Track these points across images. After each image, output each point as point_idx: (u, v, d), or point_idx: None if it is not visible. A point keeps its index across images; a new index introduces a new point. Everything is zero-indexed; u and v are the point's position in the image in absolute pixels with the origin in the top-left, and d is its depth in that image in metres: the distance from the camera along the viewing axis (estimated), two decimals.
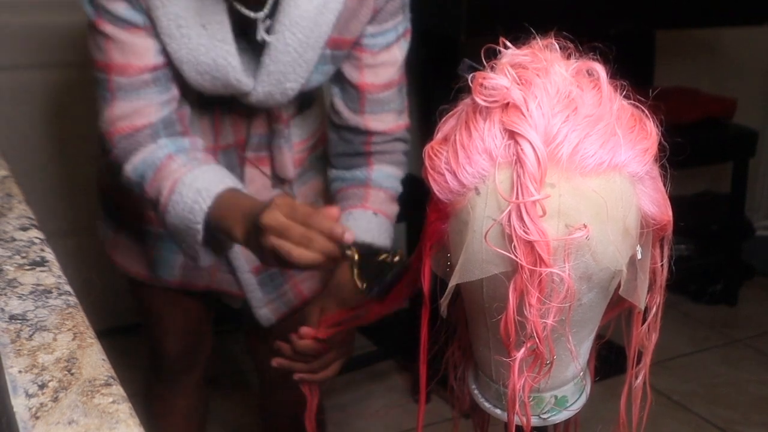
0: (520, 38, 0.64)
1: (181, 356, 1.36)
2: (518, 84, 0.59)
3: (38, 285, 0.64)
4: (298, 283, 1.26)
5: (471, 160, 0.59)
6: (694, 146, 1.96)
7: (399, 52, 1.11)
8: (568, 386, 0.69)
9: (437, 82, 2.11)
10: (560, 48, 0.63)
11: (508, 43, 0.62)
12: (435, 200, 0.64)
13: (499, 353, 0.64)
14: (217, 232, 1.00)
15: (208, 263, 1.06)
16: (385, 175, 1.15)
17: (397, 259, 0.92)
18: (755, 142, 2.57)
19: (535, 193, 0.55)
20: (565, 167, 0.57)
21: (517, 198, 0.56)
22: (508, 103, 0.58)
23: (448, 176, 0.61)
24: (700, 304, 2.70)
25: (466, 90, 0.63)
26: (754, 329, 2.55)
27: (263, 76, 1.04)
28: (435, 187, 0.63)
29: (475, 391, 0.73)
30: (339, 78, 1.12)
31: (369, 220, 1.10)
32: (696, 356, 2.39)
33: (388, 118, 1.13)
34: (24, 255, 0.70)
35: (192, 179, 0.99)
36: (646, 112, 0.62)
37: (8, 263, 0.68)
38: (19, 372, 0.51)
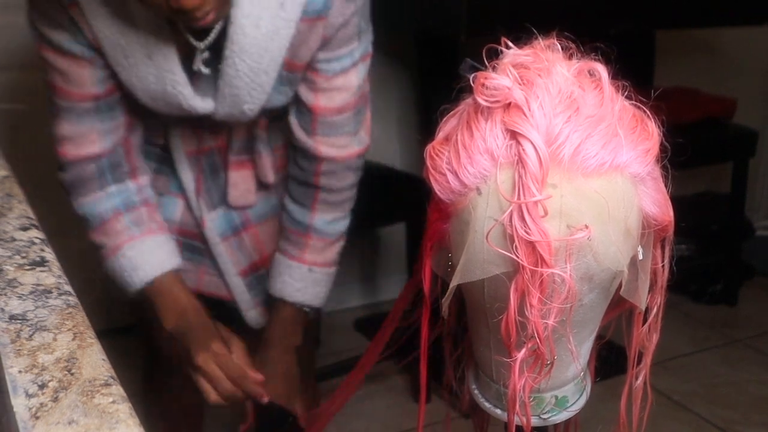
0: (520, 38, 0.64)
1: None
2: (520, 84, 0.59)
3: (38, 285, 0.64)
4: None
5: (472, 160, 0.59)
6: (694, 146, 1.96)
7: (355, 78, 1.10)
8: (569, 386, 0.69)
9: (437, 82, 2.11)
10: (562, 48, 0.63)
11: (510, 43, 0.62)
12: (436, 200, 0.64)
13: (500, 353, 0.64)
14: (147, 305, 1.08)
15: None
16: (327, 222, 1.17)
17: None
18: (755, 142, 2.57)
19: (536, 194, 0.55)
20: (567, 168, 0.57)
21: (518, 198, 0.56)
22: (509, 103, 0.58)
23: (450, 176, 0.61)
24: (700, 304, 2.69)
25: (468, 90, 0.63)
26: (754, 329, 2.55)
27: (220, 98, 1.04)
28: (436, 187, 0.62)
29: (476, 391, 0.73)
30: (295, 99, 1.12)
31: (303, 278, 1.16)
32: (696, 356, 2.39)
33: (340, 142, 1.13)
34: (24, 255, 0.70)
35: (132, 253, 1.07)
36: (648, 112, 0.62)
37: (8, 263, 0.68)
38: (19, 372, 0.51)
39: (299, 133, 1.13)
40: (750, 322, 2.60)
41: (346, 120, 1.12)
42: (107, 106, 1.05)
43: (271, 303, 1.19)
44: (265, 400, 1.09)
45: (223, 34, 1.00)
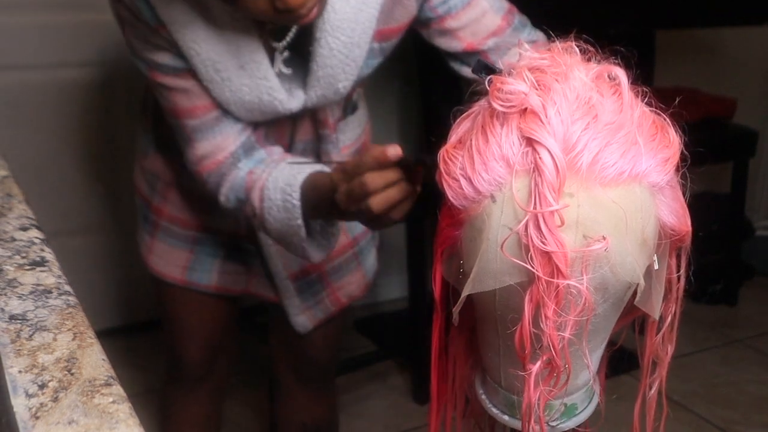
0: None
1: (203, 363, 1.35)
2: (536, 89, 0.57)
3: (38, 285, 0.64)
4: (336, 290, 1.25)
5: (487, 166, 0.58)
6: (694, 146, 1.96)
7: (483, 2, 1.06)
8: (578, 394, 0.68)
9: (437, 82, 2.10)
10: (580, 51, 0.61)
11: (526, 45, 0.61)
12: (448, 205, 0.62)
13: (512, 363, 0.63)
14: (319, 219, 0.98)
15: (320, 259, 1.04)
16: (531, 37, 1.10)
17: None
18: (755, 142, 2.57)
19: (553, 203, 0.54)
20: (585, 177, 0.55)
21: (534, 207, 0.54)
22: (525, 109, 0.57)
23: (464, 182, 0.59)
24: (700, 304, 2.69)
25: (480, 92, 0.61)
26: (754, 329, 2.55)
27: (313, 81, 1.02)
28: (449, 193, 0.61)
29: (482, 396, 0.71)
30: (447, 55, 1.10)
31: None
32: (696, 356, 2.39)
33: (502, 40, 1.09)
34: (24, 255, 0.70)
35: (274, 181, 0.98)
36: (668, 119, 0.60)
37: (8, 263, 0.68)
38: (19, 372, 0.51)
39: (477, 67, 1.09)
40: (750, 322, 2.60)
41: (505, 32, 1.08)
42: None
43: None
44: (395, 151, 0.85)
45: (302, 33, 1.00)
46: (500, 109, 0.58)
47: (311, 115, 1.12)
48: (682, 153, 0.60)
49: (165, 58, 0.99)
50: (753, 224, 2.86)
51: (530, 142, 0.56)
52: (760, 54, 3.00)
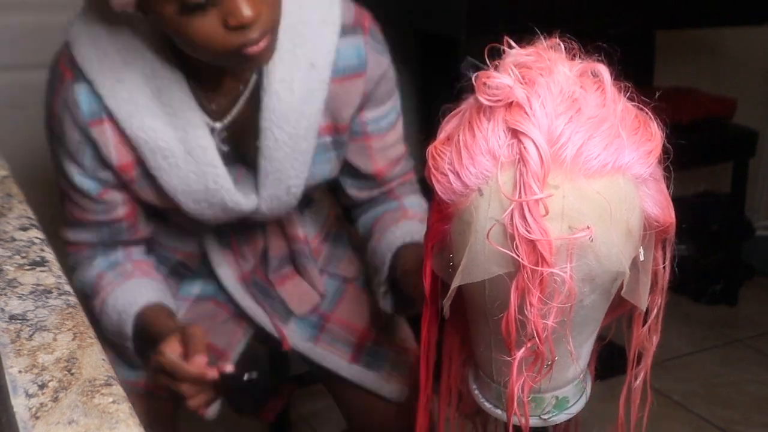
0: (520, 38, 0.64)
1: None
2: (522, 83, 0.58)
3: (38, 285, 0.64)
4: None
5: (474, 160, 0.59)
6: (694, 146, 1.96)
7: (401, 125, 1.11)
8: (569, 387, 0.69)
9: (437, 82, 2.10)
10: (565, 49, 0.62)
11: (512, 43, 0.62)
12: (437, 201, 0.63)
13: (501, 352, 0.64)
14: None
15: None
16: (415, 203, 1.13)
17: (254, 375, 0.93)
18: (755, 142, 2.57)
19: (537, 192, 0.55)
20: (569, 169, 0.56)
21: (519, 197, 0.56)
22: (511, 103, 0.58)
23: (452, 177, 0.61)
24: (700, 304, 2.69)
25: (469, 89, 0.62)
26: (754, 329, 2.55)
27: (263, 179, 1.00)
28: (438, 188, 0.62)
29: (476, 391, 0.73)
30: (348, 170, 1.09)
31: (413, 226, 1.07)
32: (696, 356, 2.39)
33: (400, 170, 1.13)
34: (24, 255, 0.70)
35: (114, 300, 1.03)
36: (650, 113, 0.62)
37: (8, 263, 0.68)
38: (19, 372, 0.51)
39: (362, 193, 1.11)
40: (750, 322, 2.60)
41: (402, 164, 1.13)
42: (111, 230, 1.05)
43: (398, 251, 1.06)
44: (227, 368, 0.92)
45: (243, 117, 0.99)
46: (486, 103, 0.59)
47: (281, 228, 1.12)
48: (664, 146, 0.61)
49: (79, 172, 1.00)
50: (753, 224, 2.86)
51: (515, 133, 0.57)
52: (760, 54, 3.00)
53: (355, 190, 1.12)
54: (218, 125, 0.98)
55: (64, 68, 0.95)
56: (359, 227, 1.16)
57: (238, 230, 1.11)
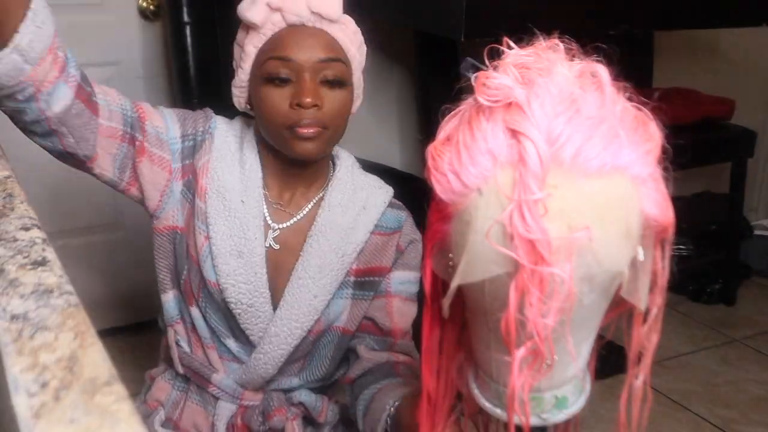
0: (519, 39, 0.64)
1: None
2: (521, 83, 0.59)
3: (40, 285, 0.64)
4: None
5: (474, 160, 0.59)
6: (693, 147, 1.96)
7: (416, 306, 1.18)
8: (569, 386, 0.69)
9: (437, 82, 2.11)
10: (564, 50, 0.63)
11: (512, 44, 0.62)
12: (437, 201, 0.63)
13: (500, 352, 0.64)
14: None
15: None
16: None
17: None
18: (754, 143, 2.57)
19: (537, 192, 0.55)
20: (568, 169, 0.57)
21: (519, 197, 0.56)
22: (510, 103, 0.58)
23: (451, 177, 0.61)
24: (699, 303, 2.70)
25: (468, 90, 0.63)
26: (752, 329, 2.56)
27: (291, 285, 1.10)
28: (437, 188, 0.62)
29: (476, 391, 0.73)
30: (366, 328, 1.16)
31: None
32: (695, 356, 2.40)
33: (407, 347, 1.18)
34: (26, 255, 0.70)
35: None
36: (649, 114, 0.62)
37: (10, 263, 0.68)
38: (21, 371, 0.51)
39: (373, 357, 1.14)
40: (748, 322, 2.61)
41: (409, 339, 1.19)
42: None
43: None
44: None
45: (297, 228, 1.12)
46: (486, 103, 0.59)
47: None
48: (663, 146, 0.61)
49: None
50: (751, 224, 2.87)
51: (515, 134, 0.58)
52: (758, 55, 3.01)
53: (367, 351, 1.15)
54: (276, 225, 1.12)
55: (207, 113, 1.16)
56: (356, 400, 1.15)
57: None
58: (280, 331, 1.11)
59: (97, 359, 0.52)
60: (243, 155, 1.11)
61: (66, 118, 0.95)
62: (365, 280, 1.15)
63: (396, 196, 1.20)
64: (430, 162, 0.63)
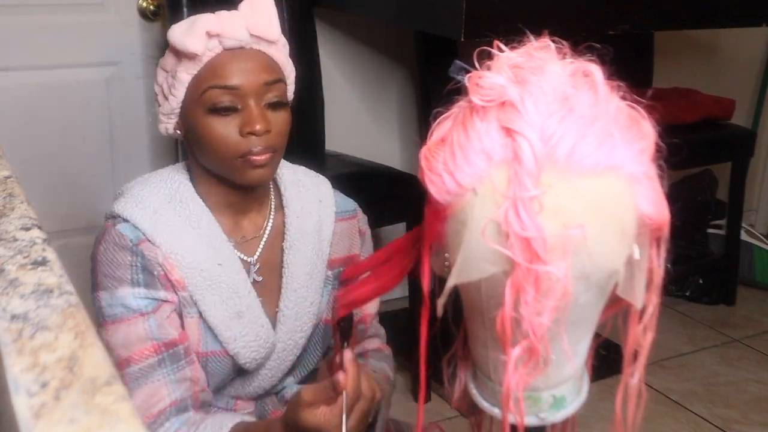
0: (519, 39, 0.64)
1: None
2: (514, 82, 0.59)
3: (40, 284, 0.64)
4: None
5: (468, 160, 0.60)
6: (693, 147, 1.96)
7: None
8: (567, 385, 0.69)
9: (437, 82, 2.11)
10: (556, 50, 0.63)
11: (503, 46, 0.62)
12: (432, 202, 0.64)
13: (497, 351, 0.64)
14: None
15: None
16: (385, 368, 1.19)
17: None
18: (753, 143, 2.57)
19: (532, 189, 0.56)
20: (563, 168, 0.57)
21: (514, 195, 0.56)
22: (504, 102, 0.59)
23: (446, 177, 0.61)
24: (699, 303, 2.70)
25: (461, 92, 0.63)
26: (752, 329, 2.56)
27: (285, 300, 1.10)
28: (432, 189, 0.62)
29: (473, 390, 0.73)
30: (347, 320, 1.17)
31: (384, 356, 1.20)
32: (694, 356, 2.40)
33: (377, 331, 1.23)
34: (26, 255, 0.70)
35: None
36: (643, 112, 0.62)
37: (10, 263, 0.68)
38: (21, 371, 0.51)
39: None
40: (748, 322, 2.61)
41: (376, 323, 1.24)
42: (171, 358, 1.01)
43: None
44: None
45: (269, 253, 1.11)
46: (480, 103, 0.60)
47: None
48: (657, 144, 0.62)
49: (129, 292, 1.01)
50: (751, 224, 2.87)
51: (509, 132, 0.58)
52: (758, 55, 3.01)
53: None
54: (252, 258, 1.10)
55: (106, 225, 1.06)
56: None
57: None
58: (285, 346, 1.11)
59: (97, 359, 0.53)
60: (186, 213, 1.05)
61: None
62: (341, 271, 1.15)
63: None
64: (423, 163, 0.63)
